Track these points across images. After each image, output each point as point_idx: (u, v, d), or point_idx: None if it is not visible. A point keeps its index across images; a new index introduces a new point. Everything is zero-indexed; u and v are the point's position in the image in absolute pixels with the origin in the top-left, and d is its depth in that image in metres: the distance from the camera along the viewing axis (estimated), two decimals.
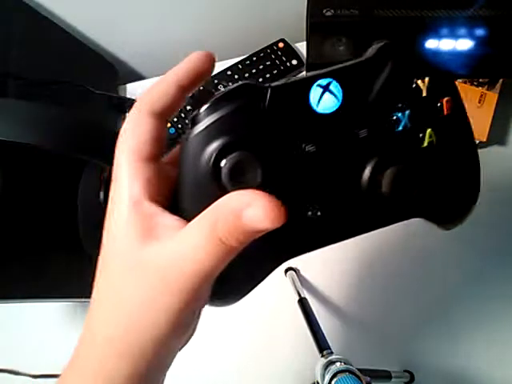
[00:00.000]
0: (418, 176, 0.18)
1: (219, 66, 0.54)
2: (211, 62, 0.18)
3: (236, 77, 0.53)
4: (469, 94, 0.46)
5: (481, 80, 0.46)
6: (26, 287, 0.38)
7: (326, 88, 0.17)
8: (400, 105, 0.17)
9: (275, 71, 0.53)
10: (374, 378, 0.32)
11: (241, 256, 0.16)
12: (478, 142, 0.46)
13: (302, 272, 0.46)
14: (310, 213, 0.18)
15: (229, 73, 0.54)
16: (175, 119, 0.53)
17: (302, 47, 0.55)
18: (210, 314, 0.47)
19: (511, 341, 0.42)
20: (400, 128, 0.18)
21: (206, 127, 0.16)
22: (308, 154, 0.17)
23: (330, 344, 0.35)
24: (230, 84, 0.53)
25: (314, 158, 0.17)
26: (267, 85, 0.17)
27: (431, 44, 0.42)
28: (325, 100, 0.17)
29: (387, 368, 0.39)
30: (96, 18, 0.54)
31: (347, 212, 0.19)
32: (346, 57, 0.44)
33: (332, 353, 0.33)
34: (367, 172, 0.18)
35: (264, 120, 0.17)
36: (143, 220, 0.16)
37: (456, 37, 0.41)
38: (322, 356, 0.33)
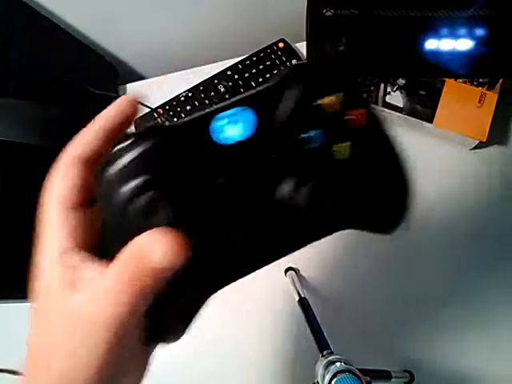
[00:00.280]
0: (335, 190, 0.18)
1: (219, 66, 0.54)
2: (135, 106, 0.19)
3: (236, 77, 0.53)
4: (469, 94, 0.46)
5: (481, 80, 0.46)
6: (26, 287, 0.38)
7: (232, 117, 0.17)
8: (311, 123, 0.17)
9: (275, 71, 0.53)
10: (373, 378, 0.32)
11: (169, 292, 0.16)
12: (477, 141, 0.46)
13: (301, 272, 0.46)
14: (233, 239, 0.18)
15: (229, 73, 0.54)
16: (175, 119, 0.53)
17: (302, 47, 0.55)
18: (210, 314, 0.47)
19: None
20: (313, 145, 0.18)
21: (119, 169, 0.16)
22: (222, 184, 0.17)
23: (330, 344, 0.35)
24: (230, 84, 0.53)
25: (229, 188, 0.17)
26: (178, 123, 0.17)
27: (431, 44, 0.42)
28: (232, 129, 0.17)
29: (387, 368, 0.39)
30: (96, 18, 0.54)
31: (271, 233, 0.18)
32: (346, 57, 0.44)
33: (332, 353, 0.33)
34: (284, 192, 0.17)
35: (175, 158, 0.17)
36: (68, 273, 0.17)
37: (456, 37, 0.41)
38: (322, 356, 0.33)
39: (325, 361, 0.31)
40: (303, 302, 0.41)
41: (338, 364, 0.30)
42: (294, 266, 0.46)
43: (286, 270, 0.46)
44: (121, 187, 0.16)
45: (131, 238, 0.16)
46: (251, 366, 0.45)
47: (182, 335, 0.20)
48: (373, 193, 0.20)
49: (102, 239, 0.18)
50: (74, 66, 0.53)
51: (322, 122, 0.17)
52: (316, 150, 0.18)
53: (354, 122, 0.18)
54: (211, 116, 0.17)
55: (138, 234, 0.16)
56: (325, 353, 0.33)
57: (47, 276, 0.17)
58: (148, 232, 0.16)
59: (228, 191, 0.17)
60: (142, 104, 0.57)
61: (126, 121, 0.19)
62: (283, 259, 0.48)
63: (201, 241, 0.17)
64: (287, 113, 0.17)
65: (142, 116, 0.54)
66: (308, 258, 0.46)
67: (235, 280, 0.19)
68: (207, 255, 0.17)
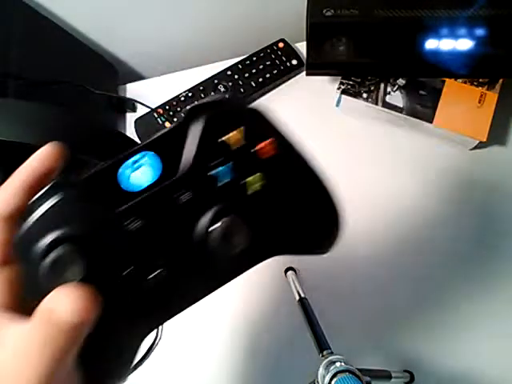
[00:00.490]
0: (251, 222, 0.18)
1: (219, 66, 0.54)
2: (57, 156, 0.19)
3: (236, 77, 0.53)
4: (469, 94, 0.46)
5: (481, 80, 0.46)
6: None
7: (137, 164, 0.17)
8: (219, 160, 0.18)
9: (275, 71, 0.53)
10: (373, 377, 0.32)
11: (99, 338, 0.16)
12: (477, 141, 0.46)
13: (301, 272, 0.46)
14: (155, 279, 0.18)
15: (229, 73, 0.54)
16: (175, 119, 0.53)
17: (302, 47, 0.55)
18: (210, 315, 0.47)
19: None
20: (224, 181, 0.18)
21: (31, 224, 0.17)
22: (136, 230, 0.17)
23: (330, 344, 0.35)
24: (230, 84, 0.53)
25: (145, 232, 0.17)
26: (87, 174, 0.17)
27: (431, 44, 0.42)
28: (138, 176, 0.17)
29: (387, 368, 0.39)
30: (96, 18, 0.54)
31: (195, 272, 0.19)
32: (346, 57, 0.44)
33: (332, 353, 0.33)
34: (200, 230, 0.18)
35: (86, 210, 0.17)
36: None
37: (456, 37, 0.41)
38: (322, 356, 0.33)
39: (325, 361, 0.31)
40: (303, 302, 0.41)
41: (337, 364, 0.30)
42: (293, 266, 0.46)
43: (286, 270, 0.46)
44: (33, 243, 0.16)
45: (45, 295, 0.16)
46: (251, 366, 0.45)
47: (126, 375, 0.19)
48: (295, 218, 0.20)
49: (24, 295, 0.18)
50: (74, 65, 0.53)
51: (229, 158, 0.18)
52: (228, 185, 0.18)
53: (263, 152, 0.18)
54: (118, 165, 0.17)
55: (50, 290, 0.16)
56: (325, 353, 0.33)
57: None
58: (55, 289, 0.16)
59: (144, 236, 0.17)
60: (142, 104, 0.57)
61: (47, 173, 0.18)
62: (283, 259, 0.48)
63: (119, 287, 0.17)
64: (192, 152, 0.17)
65: (142, 116, 0.54)
66: (308, 258, 0.46)
67: (169, 318, 0.19)
68: (130, 299, 0.17)
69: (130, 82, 0.59)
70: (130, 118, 0.56)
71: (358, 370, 0.30)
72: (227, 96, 0.19)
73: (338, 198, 0.21)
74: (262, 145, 0.18)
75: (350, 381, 0.28)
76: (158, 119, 0.53)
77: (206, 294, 0.19)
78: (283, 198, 0.19)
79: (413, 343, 0.43)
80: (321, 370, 0.31)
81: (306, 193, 0.20)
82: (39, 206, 0.17)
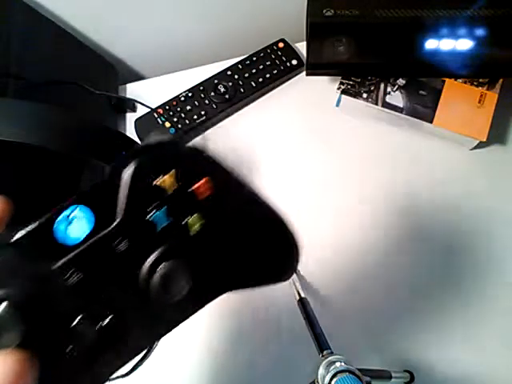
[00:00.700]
0: (195, 263, 0.18)
1: (219, 66, 0.54)
2: (5, 209, 0.19)
3: (236, 77, 0.53)
4: (469, 94, 0.46)
5: (481, 80, 0.46)
6: None
7: (70, 217, 0.17)
8: (154, 204, 0.18)
9: (275, 71, 0.53)
10: (373, 378, 0.32)
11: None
12: (477, 141, 0.46)
13: (301, 272, 0.46)
14: (104, 327, 0.17)
15: (229, 73, 0.54)
16: (175, 119, 0.53)
17: (302, 47, 0.55)
18: (210, 314, 0.47)
19: None
20: (162, 225, 0.18)
21: None
22: (76, 283, 0.17)
23: (330, 344, 0.35)
24: (230, 84, 0.53)
25: (86, 283, 0.17)
26: (22, 234, 0.17)
27: (431, 44, 0.42)
28: (73, 229, 0.17)
29: (387, 368, 0.39)
30: (96, 18, 0.54)
31: (143, 318, 0.18)
32: (346, 57, 0.44)
33: (332, 353, 0.33)
34: (143, 276, 0.18)
35: (24, 269, 0.17)
36: None
37: (456, 37, 0.41)
38: (322, 356, 0.33)
39: (325, 361, 0.31)
40: (303, 302, 0.41)
41: (337, 364, 0.30)
42: None
43: None
44: None
45: None
46: (251, 366, 0.45)
47: None
48: (244, 253, 0.20)
49: None
50: (74, 65, 0.53)
51: (163, 202, 0.18)
52: (167, 228, 0.18)
53: (199, 192, 0.18)
54: (52, 220, 0.17)
55: None
56: (325, 353, 0.33)
57: None
58: None
59: (86, 288, 0.17)
60: (142, 104, 0.57)
61: None
62: None
63: (68, 340, 0.17)
64: (124, 200, 0.17)
65: (142, 116, 0.54)
66: (308, 258, 0.46)
67: (122, 365, 0.19)
68: (81, 350, 0.17)
69: (130, 82, 0.59)
70: (130, 117, 0.56)
71: (358, 369, 0.30)
72: (162, 138, 0.19)
73: (293, 227, 0.21)
74: (196, 185, 0.18)
75: (350, 381, 0.28)
76: (158, 119, 0.53)
77: (160, 337, 0.19)
78: (228, 234, 0.19)
79: (413, 343, 0.43)
80: (321, 370, 0.31)
81: (252, 227, 0.20)
82: None
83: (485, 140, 0.45)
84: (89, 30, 0.55)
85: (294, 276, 0.45)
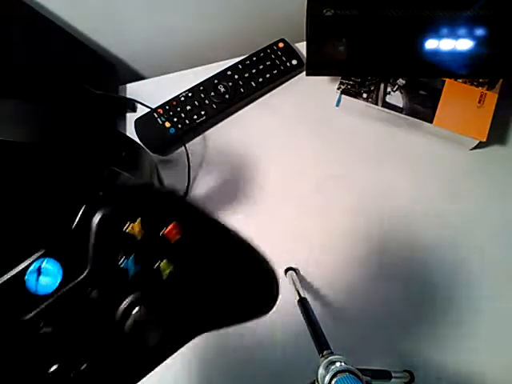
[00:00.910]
0: (168, 306, 0.18)
1: (219, 66, 0.54)
2: None
3: (236, 77, 0.53)
4: (469, 94, 0.46)
5: (481, 80, 0.46)
6: None
7: (39, 270, 0.17)
8: (124, 252, 0.18)
9: (275, 71, 0.53)
10: (374, 378, 0.32)
11: None
12: (477, 141, 0.46)
13: (301, 272, 0.46)
14: (79, 374, 0.17)
15: (229, 73, 0.54)
16: (175, 119, 0.53)
17: (301, 47, 0.55)
18: None
19: None
20: (134, 271, 0.18)
21: None
22: (49, 332, 0.17)
23: (330, 344, 0.35)
24: (230, 84, 0.53)
25: (58, 332, 0.17)
26: None
27: (431, 44, 0.42)
28: (43, 280, 0.17)
29: (387, 368, 0.39)
30: (96, 18, 0.54)
31: (119, 363, 0.18)
32: (346, 57, 0.44)
33: (332, 353, 0.33)
34: (116, 323, 0.18)
35: None
36: None
37: (456, 37, 0.41)
38: (322, 356, 0.33)
39: (325, 361, 0.31)
40: (303, 302, 0.41)
41: (337, 364, 0.30)
42: (294, 266, 0.46)
43: (286, 270, 0.46)
44: None
45: None
46: (251, 366, 0.45)
47: None
48: (219, 291, 0.20)
49: None
50: (74, 66, 0.53)
51: (133, 248, 0.18)
52: (139, 274, 0.18)
53: (170, 237, 0.18)
54: (23, 272, 0.17)
55: None
56: (325, 353, 0.33)
57: None
58: None
59: (59, 337, 0.17)
60: (142, 104, 0.57)
61: None
62: (283, 259, 0.48)
63: None
64: (93, 249, 0.17)
65: (142, 116, 0.54)
66: (308, 258, 0.47)
67: None
68: None
69: (130, 82, 0.59)
70: (130, 117, 0.56)
71: (358, 369, 0.30)
72: (131, 183, 0.19)
73: (268, 263, 0.21)
74: (165, 230, 0.18)
75: (350, 381, 0.28)
76: (158, 119, 0.53)
77: (136, 382, 0.19)
78: (200, 276, 0.19)
79: (413, 343, 0.43)
80: (321, 370, 0.31)
81: (225, 266, 0.20)
82: None
83: (485, 140, 0.45)
84: (89, 29, 0.55)
85: (294, 276, 0.45)
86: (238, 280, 0.20)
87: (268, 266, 0.21)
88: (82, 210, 0.18)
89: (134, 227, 0.18)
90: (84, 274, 0.17)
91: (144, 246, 0.18)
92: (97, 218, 0.18)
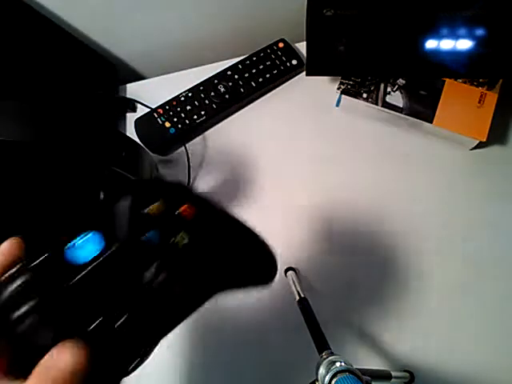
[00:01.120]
0: (187, 271, 0.22)
1: (219, 66, 0.54)
2: (20, 247, 0.22)
3: (236, 77, 0.53)
4: (469, 94, 0.46)
5: (481, 80, 0.46)
6: None
7: (79, 242, 0.21)
8: (149, 227, 0.22)
9: (275, 71, 0.53)
10: (374, 378, 0.32)
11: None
12: (477, 141, 0.46)
13: (301, 272, 0.46)
14: (122, 324, 0.21)
15: (229, 73, 0.54)
16: (175, 119, 0.53)
17: (301, 47, 0.55)
18: (210, 314, 0.47)
19: None
20: (154, 243, 0.22)
21: (3, 303, 0.20)
22: (93, 291, 0.21)
23: (330, 344, 0.35)
24: (230, 84, 0.53)
25: (100, 291, 0.21)
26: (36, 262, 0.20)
27: (431, 44, 0.42)
28: (83, 251, 0.21)
29: (387, 368, 0.39)
30: (96, 18, 0.54)
31: (152, 315, 0.22)
32: (346, 57, 0.44)
33: (332, 353, 0.33)
34: (146, 283, 0.21)
35: (45, 283, 0.20)
36: None
37: (456, 37, 0.41)
38: (322, 356, 0.33)
39: (325, 361, 0.31)
40: (303, 302, 0.41)
41: (337, 364, 0.30)
42: (293, 266, 0.46)
43: (286, 270, 0.46)
44: (7, 317, 0.19)
45: (31, 356, 0.19)
46: (250, 366, 0.45)
47: None
48: (227, 260, 0.24)
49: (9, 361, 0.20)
50: (74, 65, 0.53)
51: (155, 224, 0.22)
52: (161, 244, 0.22)
53: (185, 215, 0.23)
54: (64, 244, 0.21)
55: (35, 352, 0.19)
56: (325, 353, 0.33)
57: None
58: (53, 349, 0.19)
59: (101, 294, 0.21)
60: (142, 104, 0.57)
61: (12, 261, 0.21)
62: (283, 259, 0.48)
63: (92, 339, 0.20)
64: (125, 225, 0.22)
65: (142, 116, 0.54)
66: (308, 258, 0.47)
67: (131, 364, 0.22)
68: (104, 348, 0.20)
69: (130, 82, 0.59)
70: (130, 117, 0.56)
71: (358, 369, 0.30)
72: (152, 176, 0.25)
73: (265, 241, 0.26)
74: (181, 209, 0.23)
75: (350, 381, 0.28)
76: (158, 119, 0.53)
77: (162, 336, 0.23)
78: (211, 246, 0.24)
79: (413, 343, 0.43)
80: (321, 370, 0.31)
81: (230, 240, 0.25)
82: (7, 288, 0.20)
83: (485, 140, 0.45)
84: (89, 30, 0.55)
85: (294, 276, 0.45)
86: (243, 252, 0.25)
87: (267, 245, 0.26)
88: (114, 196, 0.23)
89: (155, 207, 0.22)
90: (117, 245, 0.21)
91: (163, 222, 0.22)
92: (127, 201, 0.22)
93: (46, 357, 0.19)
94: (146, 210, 0.22)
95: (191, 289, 0.22)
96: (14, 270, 0.21)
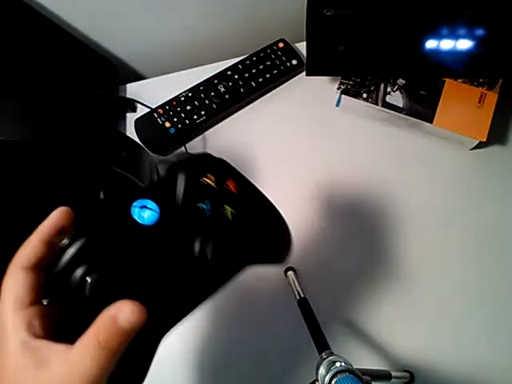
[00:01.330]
0: (228, 243, 0.24)
1: (219, 66, 0.54)
2: (69, 216, 0.23)
3: (236, 77, 0.53)
4: (469, 94, 0.46)
5: (481, 80, 0.46)
6: None
7: (142, 206, 0.22)
8: (201, 196, 0.24)
9: (275, 71, 0.53)
10: (374, 377, 0.32)
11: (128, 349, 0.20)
12: (477, 141, 0.46)
13: (301, 272, 0.46)
14: (172, 291, 0.23)
15: (229, 73, 0.54)
16: (175, 119, 0.53)
17: (302, 47, 0.55)
18: (211, 315, 0.47)
19: None
20: (207, 213, 0.24)
21: (64, 265, 0.21)
22: (147, 254, 0.22)
23: (330, 344, 0.35)
24: (230, 84, 0.53)
25: (156, 255, 0.22)
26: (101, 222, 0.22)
27: (431, 44, 0.42)
28: (145, 214, 0.22)
29: (387, 368, 0.39)
30: (96, 18, 0.54)
31: (195, 280, 0.24)
32: (346, 57, 0.44)
33: (332, 353, 0.33)
34: (196, 248, 0.23)
35: (106, 243, 0.22)
36: (33, 357, 0.19)
37: (456, 37, 0.41)
38: (322, 356, 0.33)
39: (325, 361, 0.31)
40: (303, 302, 0.41)
41: (337, 364, 0.30)
42: (293, 266, 0.46)
43: (286, 270, 0.46)
44: (68, 278, 0.21)
45: (88, 316, 0.20)
46: (250, 366, 0.45)
47: None
48: (260, 236, 0.27)
49: (60, 324, 0.21)
50: (74, 65, 0.53)
51: (207, 194, 0.25)
52: (211, 214, 0.24)
53: (230, 188, 0.26)
54: (131, 200, 0.22)
55: (93, 311, 0.20)
56: (325, 353, 0.33)
57: (13, 366, 0.19)
58: (112, 304, 0.20)
59: (159, 254, 0.22)
60: (142, 104, 0.57)
61: (60, 230, 0.22)
62: None
63: (147, 300, 0.21)
64: (181, 193, 0.24)
65: (142, 116, 0.54)
66: (308, 258, 0.47)
67: (175, 325, 0.23)
68: (153, 310, 0.21)
69: (130, 82, 0.59)
70: (130, 117, 0.56)
71: (358, 369, 0.30)
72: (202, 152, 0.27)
73: (284, 221, 0.28)
74: (228, 183, 0.25)
75: (350, 381, 0.28)
76: (158, 119, 0.53)
77: (206, 297, 0.24)
78: (247, 224, 0.26)
79: (413, 343, 0.43)
80: (321, 370, 0.31)
81: (263, 218, 0.27)
82: (66, 251, 0.21)
83: (485, 140, 0.45)
84: (89, 30, 0.55)
85: (294, 276, 0.45)
86: (270, 227, 0.28)
87: (286, 223, 0.28)
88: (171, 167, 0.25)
89: (208, 179, 0.25)
90: (175, 211, 0.23)
91: (215, 192, 0.25)
92: (182, 173, 0.24)
93: (104, 315, 0.19)
94: (201, 180, 0.24)
95: (229, 259, 0.24)
96: (71, 235, 0.22)
